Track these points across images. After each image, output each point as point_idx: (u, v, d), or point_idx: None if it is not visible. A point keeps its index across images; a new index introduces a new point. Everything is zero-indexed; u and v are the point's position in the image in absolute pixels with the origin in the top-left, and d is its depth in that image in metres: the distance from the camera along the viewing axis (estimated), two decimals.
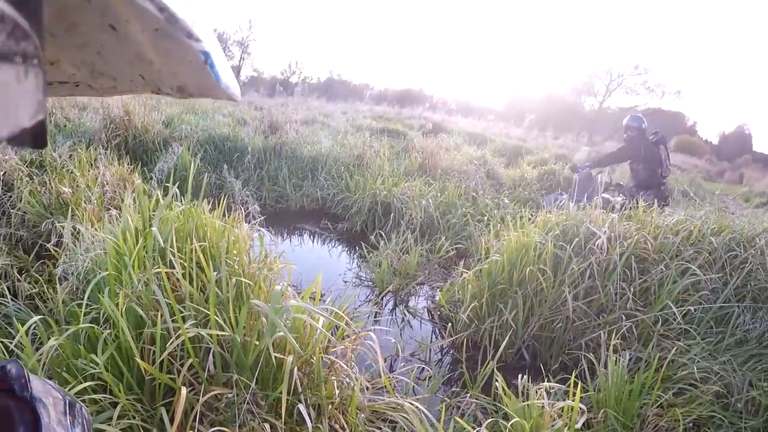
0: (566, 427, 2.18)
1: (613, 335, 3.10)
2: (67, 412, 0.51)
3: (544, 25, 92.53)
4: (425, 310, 4.25)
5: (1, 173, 4.37)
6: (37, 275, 3.34)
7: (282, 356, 2.09)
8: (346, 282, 4.67)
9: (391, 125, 14.98)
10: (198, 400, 1.89)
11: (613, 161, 6.23)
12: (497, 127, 21.56)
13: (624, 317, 3.35)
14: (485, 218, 5.90)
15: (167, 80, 0.49)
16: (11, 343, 2.07)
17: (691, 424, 2.65)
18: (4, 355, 2.06)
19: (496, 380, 2.58)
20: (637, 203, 4.10)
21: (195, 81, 0.47)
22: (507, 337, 3.19)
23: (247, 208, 4.67)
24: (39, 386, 0.49)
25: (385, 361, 2.48)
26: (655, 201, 4.38)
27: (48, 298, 3.03)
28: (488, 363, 2.79)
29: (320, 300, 2.62)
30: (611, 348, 2.88)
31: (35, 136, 0.28)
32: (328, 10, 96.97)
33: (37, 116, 0.28)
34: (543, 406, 2.30)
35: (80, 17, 0.40)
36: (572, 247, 3.51)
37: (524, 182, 8.86)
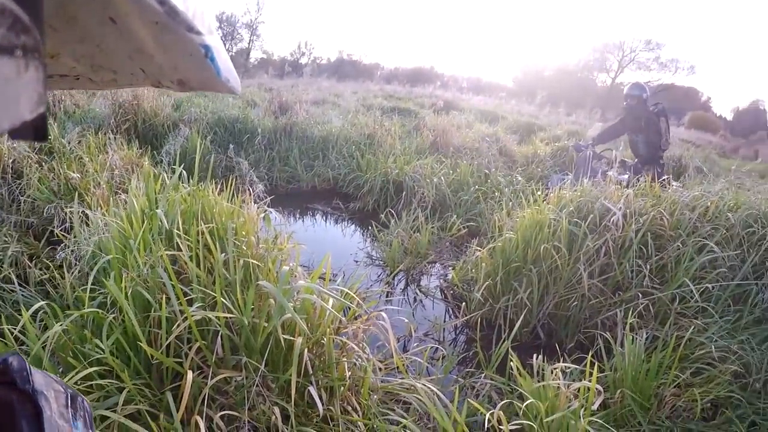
0: (582, 408, 2.13)
1: (630, 313, 3.05)
2: (69, 405, 0.51)
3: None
4: (437, 289, 4.21)
5: (11, 160, 4.37)
6: (47, 261, 3.33)
7: (292, 338, 2.05)
8: (357, 262, 4.65)
9: (402, 104, 14.96)
10: (206, 383, 1.85)
11: (615, 134, 6.09)
12: (509, 105, 21.43)
13: (640, 295, 3.30)
14: (497, 195, 5.84)
15: (168, 74, 0.48)
16: (16, 329, 2.05)
17: (709, 404, 2.61)
18: (12, 342, 2.04)
19: (511, 360, 2.53)
20: (646, 180, 4.01)
21: (195, 74, 0.47)
22: (522, 316, 3.15)
23: (256, 189, 4.63)
24: (41, 379, 0.49)
25: (398, 342, 2.45)
26: (656, 176, 4.30)
27: (58, 284, 3.03)
28: (503, 342, 2.76)
29: (331, 280, 2.58)
30: (628, 327, 2.83)
31: (36, 129, 0.28)
32: None
33: (38, 109, 0.28)
34: (559, 387, 2.26)
35: (80, 10, 0.39)
36: (587, 223, 3.45)
37: (537, 159, 8.76)
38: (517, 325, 3.01)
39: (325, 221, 6.05)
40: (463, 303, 3.69)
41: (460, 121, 10.51)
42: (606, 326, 3.31)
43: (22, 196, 4.06)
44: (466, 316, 3.56)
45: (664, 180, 4.16)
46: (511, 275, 3.58)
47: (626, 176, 4.91)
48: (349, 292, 2.42)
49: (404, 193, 6.05)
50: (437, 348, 3.14)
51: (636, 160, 5.70)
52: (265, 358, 1.99)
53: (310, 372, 2.08)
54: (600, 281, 3.40)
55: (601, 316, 3.35)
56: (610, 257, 3.41)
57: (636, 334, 2.79)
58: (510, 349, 2.63)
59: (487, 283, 3.60)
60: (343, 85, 21.65)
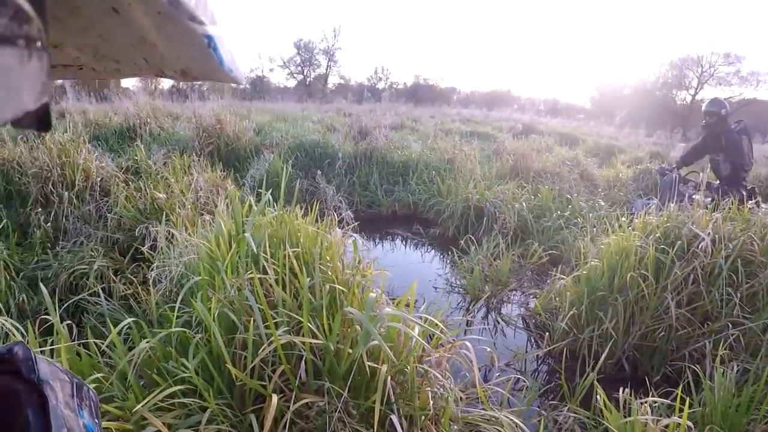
0: None
1: (720, 345, 2.89)
2: (75, 394, 0.52)
3: (628, 16, 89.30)
4: (519, 317, 4.10)
5: (99, 179, 4.57)
6: (131, 277, 3.44)
7: (375, 365, 2.03)
8: (436, 288, 4.59)
9: (480, 128, 14.98)
10: (288, 407, 1.84)
11: (698, 156, 5.79)
12: (587, 126, 21.25)
13: (730, 325, 3.13)
14: (580, 221, 5.71)
15: (171, 63, 0.49)
16: (103, 343, 2.11)
17: None
18: (96, 355, 2.09)
19: (597, 393, 2.43)
20: (733, 203, 3.81)
21: (198, 64, 0.48)
22: (607, 347, 3.03)
23: (340, 214, 4.66)
24: (46, 368, 0.50)
25: (479, 371, 2.39)
26: (744, 198, 4.07)
27: (142, 300, 3.11)
28: (587, 374, 2.65)
29: (414, 307, 2.55)
30: (718, 359, 2.69)
31: (39, 119, 0.29)
32: (411, 15, 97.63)
33: (42, 99, 0.28)
34: (647, 423, 2.16)
35: (83, 0, 0.40)
36: (674, 250, 3.30)
37: (619, 183, 8.53)
38: (603, 356, 2.91)
39: (405, 246, 6.03)
40: (546, 333, 3.58)
41: (539, 144, 10.46)
42: (694, 358, 3.15)
43: (109, 213, 4.23)
44: (549, 346, 3.45)
45: (753, 203, 3.95)
46: (596, 304, 3.46)
47: (709, 199, 4.70)
48: (433, 320, 2.38)
49: (485, 218, 5.98)
50: (519, 378, 3.06)
51: (718, 182, 5.42)
52: (348, 385, 1.97)
53: (392, 400, 2.05)
54: (688, 311, 3.24)
55: (689, 348, 3.19)
56: (698, 285, 3.25)
57: (726, 366, 2.63)
58: (595, 382, 2.53)
59: (572, 312, 3.50)
60: (420, 109, 21.99)
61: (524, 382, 3.05)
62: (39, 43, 0.27)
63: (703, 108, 5.44)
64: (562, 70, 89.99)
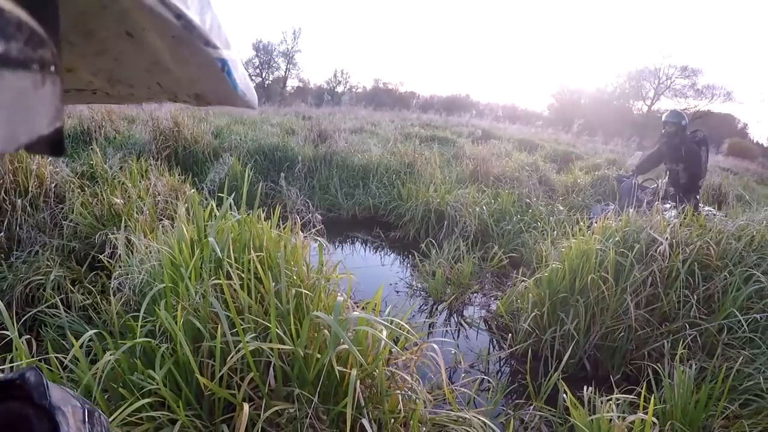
0: None
1: (679, 345, 2.99)
2: (86, 420, 0.52)
3: (587, 26, 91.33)
4: (481, 320, 4.15)
5: (53, 185, 4.44)
6: (90, 287, 3.35)
7: (344, 370, 2.02)
8: (399, 292, 4.61)
9: (440, 133, 15.05)
10: (259, 415, 1.83)
11: (654, 164, 5.97)
12: (546, 133, 21.46)
13: (688, 326, 3.25)
14: (539, 225, 5.80)
15: (185, 87, 0.49)
16: (65, 357, 2.05)
17: None
18: (58, 370, 2.04)
19: (565, 392, 2.48)
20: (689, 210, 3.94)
21: (212, 88, 0.48)
22: (570, 348, 3.09)
23: (302, 217, 4.64)
24: (58, 394, 0.50)
25: (444, 373, 2.41)
26: (698, 205, 4.22)
27: (101, 310, 3.04)
28: (551, 374, 2.70)
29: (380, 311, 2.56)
30: (677, 358, 2.78)
31: (53, 144, 0.28)
32: (370, 19, 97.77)
33: (55, 123, 0.28)
34: (611, 420, 2.21)
35: (97, 24, 0.39)
36: (633, 254, 3.40)
37: (577, 188, 8.71)
38: (566, 356, 2.97)
39: (366, 250, 6.04)
40: (509, 334, 3.64)
41: (498, 149, 10.54)
42: (653, 357, 3.25)
43: (64, 220, 4.10)
44: (512, 347, 3.51)
45: (701, 209, 4.10)
46: (558, 306, 3.54)
47: (668, 206, 4.83)
48: (401, 322, 2.39)
49: (446, 222, 6.03)
50: (484, 379, 3.09)
51: (673, 190, 5.56)
52: (317, 390, 1.96)
53: (362, 404, 2.05)
54: (647, 312, 3.35)
55: (648, 348, 3.29)
56: (656, 288, 3.36)
57: (685, 365, 2.72)
58: (560, 381, 2.58)
59: (534, 313, 3.57)
60: (380, 113, 21.88)
61: (489, 382, 3.09)
62: (53, 68, 0.27)
63: (663, 118, 5.59)
64: (521, 76, 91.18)
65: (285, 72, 49.89)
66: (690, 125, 5.64)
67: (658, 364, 2.98)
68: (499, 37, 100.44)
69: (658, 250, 3.40)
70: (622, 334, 3.33)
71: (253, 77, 48.58)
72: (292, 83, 51.24)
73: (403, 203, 6.75)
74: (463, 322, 4.12)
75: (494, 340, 3.85)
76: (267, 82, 49.04)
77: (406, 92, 54.17)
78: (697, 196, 5.36)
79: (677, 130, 5.43)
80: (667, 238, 3.43)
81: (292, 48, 48.93)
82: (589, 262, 3.47)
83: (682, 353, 2.88)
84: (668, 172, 5.65)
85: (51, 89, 0.26)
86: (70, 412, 0.49)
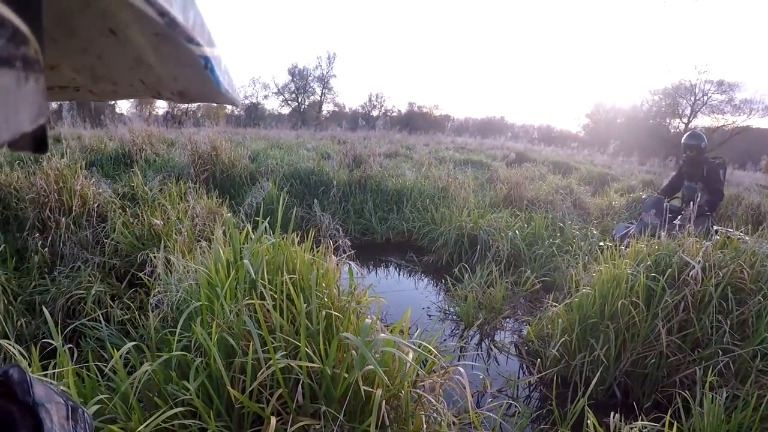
0: None
1: (710, 371, 2.93)
2: (70, 416, 0.52)
3: (621, 43, 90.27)
4: (512, 344, 4.12)
5: (96, 205, 4.60)
6: (128, 302, 3.47)
7: (370, 389, 2.07)
8: (430, 316, 4.61)
9: (474, 156, 15.01)
10: (285, 429, 1.88)
11: (679, 185, 5.94)
12: (581, 155, 21.15)
13: (720, 352, 3.16)
14: (572, 249, 5.75)
15: (167, 84, 0.50)
16: (105, 366, 2.14)
17: None
18: (97, 377, 2.13)
19: (589, 419, 2.46)
20: (708, 231, 3.90)
21: (195, 85, 0.48)
22: (598, 374, 3.06)
23: (336, 241, 4.70)
24: (41, 391, 0.50)
25: (472, 397, 2.41)
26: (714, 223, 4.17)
27: (139, 325, 3.14)
28: (578, 400, 2.68)
29: (408, 333, 2.59)
30: (707, 385, 2.73)
31: (36, 141, 0.29)
32: (405, 43, 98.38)
33: (38, 120, 0.28)
34: None
35: (80, 22, 0.40)
36: (665, 278, 3.35)
37: (612, 211, 8.62)
38: (593, 382, 2.94)
39: (399, 274, 6.03)
40: (538, 359, 3.61)
41: (533, 173, 10.47)
42: (684, 384, 3.18)
43: (106, 239, 4.26)
44: (541, 372, 3.48)
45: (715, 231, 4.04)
46: (588, 331, 3.49)
47: (677, 222, 4.79)
48: (428, 345, 2.42)
49: (478, 246, 6.00)
50: (511, 404, 3.08)
51: (690, 208, 5.52)
52: (343, 408, 2.00)
53: (387, 423, 2.08)
54: (678, 338, 3.27)
55: (680, 375, 3.21)
56: (689, 313, 3.28)
57: (716, 392, 2.67)
58: (587, 407, 2.56)
59: (564, 339, 3.53)
60: (415, 137, 21.89)
61: (516, 407, 3.06)
62: (36, 65, 0.27)
63: (683, 141, 5.62)
64: (556, 97, 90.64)
65: (321, 96, 50.54)
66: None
67: (689, 392, 2.92)
68: (534, 57, 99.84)
69: (690, 274, 3.32)
70: (653, 360, 3.25)
71: (290, 102, 49.26)
72: (327, 107, 51.87)
73: (437, 227, 6.74)
74: (493, 347, 4.08)
75: (523, 365, 3.82)
76: (303, 106, 49.63)
77: (441, 115, 54.40)
78: (712, 215, 5.31)
79: (698, 152, 5.47)
80: (699, 261, 3.35)
81: (327, 73, 49.67)
82: (620, 287, 3.42)
83: (713, 380, 2.83)
84: (685, 190, 5.68)
85: (34, 86, 0.27)
86: (53, 409, 0.50)
